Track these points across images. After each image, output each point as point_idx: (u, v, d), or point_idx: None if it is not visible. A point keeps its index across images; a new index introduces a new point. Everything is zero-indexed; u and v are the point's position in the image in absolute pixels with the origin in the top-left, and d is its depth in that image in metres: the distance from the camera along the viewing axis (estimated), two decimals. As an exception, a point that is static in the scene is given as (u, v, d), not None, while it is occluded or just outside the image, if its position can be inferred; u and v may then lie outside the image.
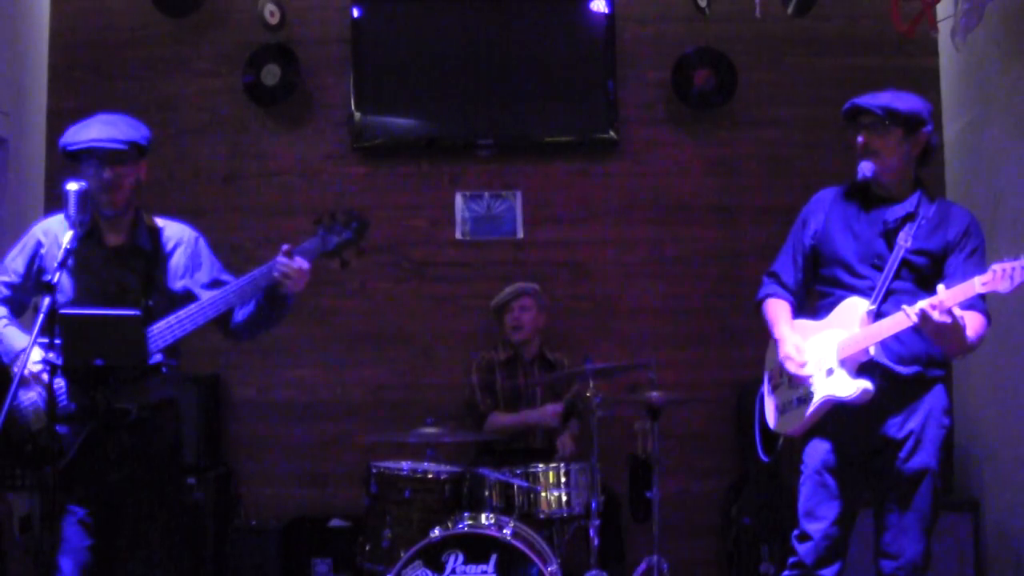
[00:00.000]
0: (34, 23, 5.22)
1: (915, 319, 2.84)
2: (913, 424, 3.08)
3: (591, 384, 4.09)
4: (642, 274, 5.28)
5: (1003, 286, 2.74)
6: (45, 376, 2.83)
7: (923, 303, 2.84)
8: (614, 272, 5.28)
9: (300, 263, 3.04)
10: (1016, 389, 4.37)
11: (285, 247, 3.06)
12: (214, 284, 3.17)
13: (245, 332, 3.23)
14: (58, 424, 2.83)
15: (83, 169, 3.03)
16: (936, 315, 2.80)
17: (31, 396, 2.90)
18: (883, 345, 3.03)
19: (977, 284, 2.80)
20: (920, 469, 3.08)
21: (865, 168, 3.13)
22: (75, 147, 3.03)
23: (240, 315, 3.18)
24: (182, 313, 3.02)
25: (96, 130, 3.05)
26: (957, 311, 2.82)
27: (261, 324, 3.20)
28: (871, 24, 5.23)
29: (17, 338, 3.03)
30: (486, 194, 5.31)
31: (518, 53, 5.28)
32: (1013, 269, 2.73)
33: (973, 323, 2.97)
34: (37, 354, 2.86)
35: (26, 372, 2.80)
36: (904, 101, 3.10)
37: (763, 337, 3.39)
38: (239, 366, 5.19)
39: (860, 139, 3.12)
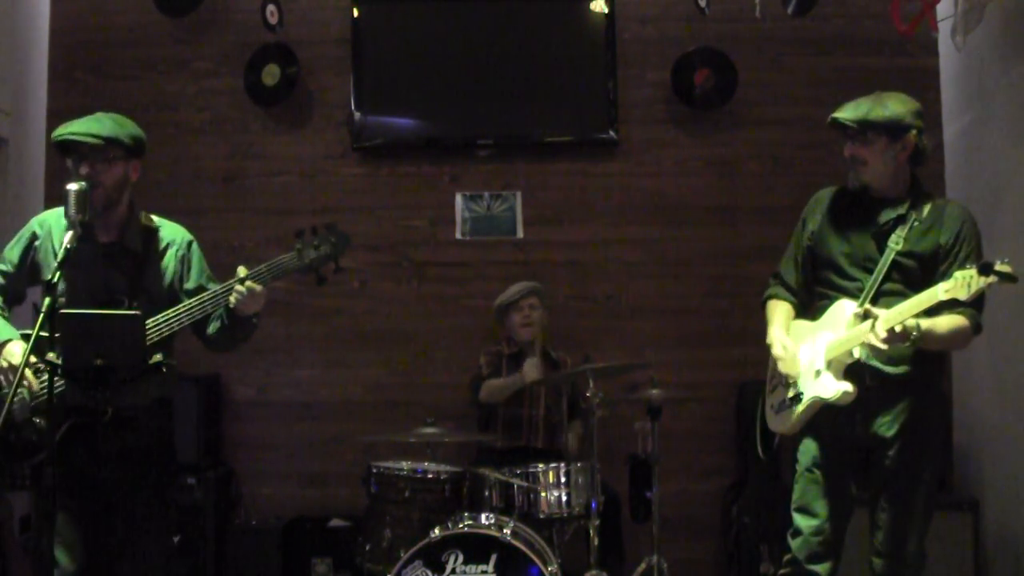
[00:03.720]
0: (34, 23, 5.22)
1: (880, 343, 2.90)
2: (903, 423, 3.09)
3: (591, 384, 4.09)
4: (642, 274, 5.28)
5: (961, 293, 2.80)
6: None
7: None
8: (614, 272, 5.28)
9: (251, 288, 2.97)
10: (1016, 389, 4.36)
11: (241, 272, 3.00)
12: (199, 290, 3.12)
13: (217, 344, 3.20)
14: (39, 417, 2.82)
15: (69, 163, 3.01)
16: (875, 341, 2.88)
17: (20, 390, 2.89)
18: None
19: (940, 292, 2.85)
20: (911, 468, 3.09)
21: (852, 180, 3.19)
22: (57, 138, 3.02)
23: (211, 328, 3.14)
24: (160, 318, 2.98)
25: (79, 125, 3.02)
26: (912, 322, 2.87)
27: (228, 338, 3.15)
28: (871, 24, 5.23)
29: (2, 330, 3.01)
30: (486, 194, 5.31)
31: (518, 53, 5.28)
32: (971, 277, 2.78)
33: (942, 327, 2.97)
34: (20, 347, 2.87)
35: (18, 364, 2.77)
36: (883, 108, 3.10)
37: (764, 337, 3.40)
38: (239, 366, 5.18)
39: (847, 150, 3.15)
